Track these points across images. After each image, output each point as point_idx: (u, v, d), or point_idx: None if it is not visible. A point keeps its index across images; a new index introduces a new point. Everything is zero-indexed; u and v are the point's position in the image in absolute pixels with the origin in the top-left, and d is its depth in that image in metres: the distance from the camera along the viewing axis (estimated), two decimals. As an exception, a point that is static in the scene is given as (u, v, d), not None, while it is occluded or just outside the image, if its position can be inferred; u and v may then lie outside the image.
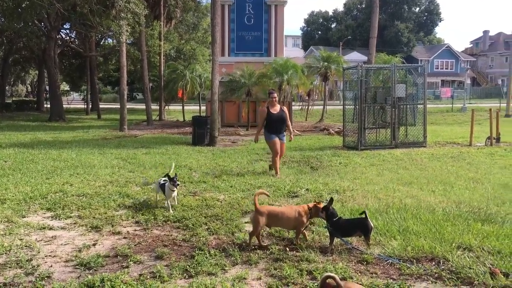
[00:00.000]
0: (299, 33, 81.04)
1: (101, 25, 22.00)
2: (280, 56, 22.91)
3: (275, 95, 9.81)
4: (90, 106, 36.56)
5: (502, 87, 55.23)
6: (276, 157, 9.63)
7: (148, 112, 25.28)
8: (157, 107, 29.52)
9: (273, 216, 5.14)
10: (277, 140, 9.63)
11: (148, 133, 19.74)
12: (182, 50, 35.32)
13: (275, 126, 9.62)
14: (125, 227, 5.90)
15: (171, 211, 6.52)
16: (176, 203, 6.82)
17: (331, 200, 5.17)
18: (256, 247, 5.03)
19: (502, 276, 4.14)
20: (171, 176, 6.69)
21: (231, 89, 21.06)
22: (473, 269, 4.29)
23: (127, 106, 22.20)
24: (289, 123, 9.95)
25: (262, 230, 5.65)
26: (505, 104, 31.10)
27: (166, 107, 31.54)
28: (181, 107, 28.93)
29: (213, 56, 15.79)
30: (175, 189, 6.66)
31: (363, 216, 4.99)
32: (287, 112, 9.96)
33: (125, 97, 21.26)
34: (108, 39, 36.88)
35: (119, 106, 21.90)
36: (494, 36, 76.76)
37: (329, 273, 3.21)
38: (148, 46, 27.11)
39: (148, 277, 4.26)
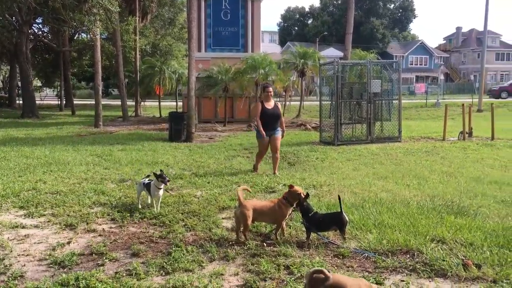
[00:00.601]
0: (276, 28, 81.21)
1: (74, 19, 21.53)
2: (257, 51, 22.87)
3: (271, 89, 9.22)
4: (64, 102, 35.83)
5: (475, 83, 56.45)
6: (260, 156, 9.39)
7: (123, 108, 24.93)
8: (133, 103, 29.16)
9: (258, 210, 5.15)
10: (267, 141, 9.11)
11: (124, 129, 19.49)
12: (158, 45, 34.93)
13: (269, 122, 9.02)
14: (100, 224, 5.82)
15: (158, 209, 6.33)
16: (156, 210, 6.31)
17: (307, 195, 5.19)
18: (233, 243, 5.03)
19: (475, 268, 4.24)
20: (157, 173, 6.36)
21: (208, 85, 20.95)
22: (446, 261, 4.38)
23: (102, 102, 21.87)
24: (282, 119, 9.40)
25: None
26: (477, 100, 31.77)
27: (142, 103, 31.19)
28: (157, 103, 28.66)
29: (190, 52, 15.67)
30: (162, 186, 6.29)
31: (339, 210, 5.04)
32: (280, 108, 9.47)
33: (100, 92, 20.92)
34: (82, 34, 36.18)
35: (93, 102, 21.56)
36: (466, 33, 78.22)
37: (316, 268, 3.27)
38: (123, 41, 26.70)
39: (124, 274, 4.21)
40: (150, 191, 6.37)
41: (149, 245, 5.05)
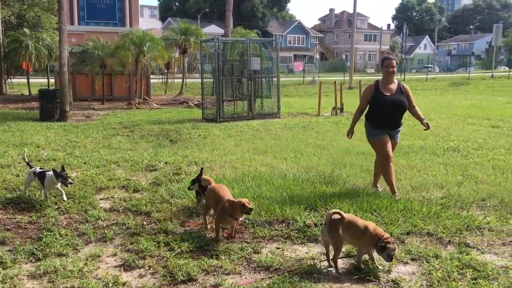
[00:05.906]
0: (156, 3, 78.80)
1: None
2: (135, 26, 21.96)
3: (395, 62, 5.92)
4: None
5: (346, 62, 60.51)
6: (388, 163, 5.93)
7: (-15, 86, 22.52)
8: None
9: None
10: (386, 138, 5.93)
11: (-13, 109, 17.65)
12: (25, 16, 31.86)
13: (387, 116, 5.91)
14: (-42, 213, 5.25)
15: (49, 201, 5.57)
16: (65, 198, 5.63)
17: (201, 170, 5.32)
18: (111, 224, 4.88)
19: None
20: (58, 171, 5.48)
21: (83, 61, 19.68)
22: (317, 227, 4.70)
23: (-41, 79, 19.52)
24: (417, 108, 6.07)
25: (119, 206, 5.50)
26: (348, 77, 34.15)
27: (8, 80, 28.40)
28: (26, 80, 26.33)
29: (61, 24, 14.54)
30: (58, 182, 5.48)
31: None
32: (409, 91, 6.05)
33: (-45, 68, 18.63)
34: None
35: None
36: (339, 14, 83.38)
37: (334, 210, 3.93)
38: (-19, 11, 23.94)
39: (-13, 265, 3.87)
40: (44, 183, 5.55)
41: (17, 231, 4.70)
